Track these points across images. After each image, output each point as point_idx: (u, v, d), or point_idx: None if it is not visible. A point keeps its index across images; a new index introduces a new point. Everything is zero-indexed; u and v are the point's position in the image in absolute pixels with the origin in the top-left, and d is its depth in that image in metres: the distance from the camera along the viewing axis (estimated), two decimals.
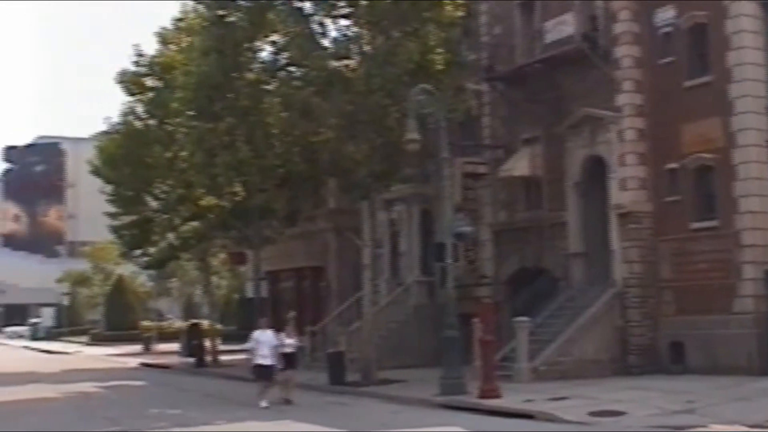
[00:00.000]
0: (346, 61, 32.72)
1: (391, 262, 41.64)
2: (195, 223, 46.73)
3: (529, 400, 24.31)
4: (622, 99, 31.20)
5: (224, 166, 36.01)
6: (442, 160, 29.50)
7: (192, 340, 47.95)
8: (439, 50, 31.17)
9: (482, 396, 25.45)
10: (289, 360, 28.26)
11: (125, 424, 24.40)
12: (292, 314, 47.74)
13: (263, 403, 26.54)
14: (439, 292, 34.12)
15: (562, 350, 29.70)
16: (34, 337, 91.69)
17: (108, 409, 28.38)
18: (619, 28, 31.42)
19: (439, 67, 30.98)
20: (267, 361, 27.42)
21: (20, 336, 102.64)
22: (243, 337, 52.98)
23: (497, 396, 25.35)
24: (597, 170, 32.07)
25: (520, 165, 34.71)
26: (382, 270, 40.64)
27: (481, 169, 36.60)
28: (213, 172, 37.07)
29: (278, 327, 46.98)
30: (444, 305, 28.95)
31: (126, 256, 55.19)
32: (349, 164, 31.98)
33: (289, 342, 28.56)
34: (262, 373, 27.56)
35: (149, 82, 47.30)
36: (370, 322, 33.72)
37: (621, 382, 27.65)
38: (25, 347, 78.80)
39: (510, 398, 24.97)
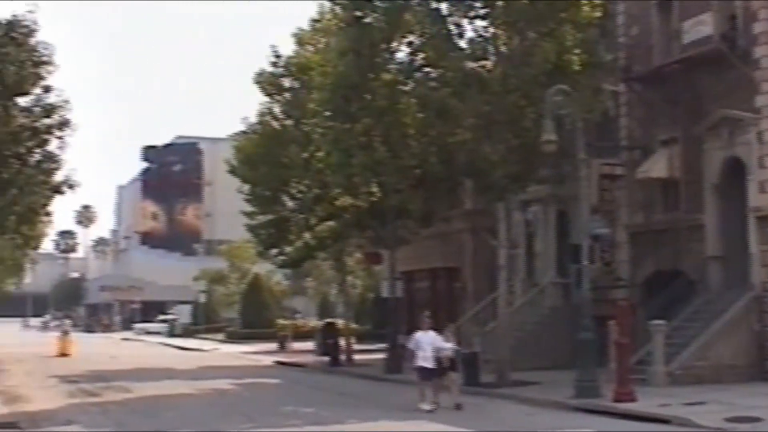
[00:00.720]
0: (482, 62, 33.10)
1: (526, 263, 41.82)
2: (331, 223, 47.38)
3: (664, 405, 24.39)
4: (761, 100, 30.88)
5: (360, 167, 36.63)
6: (578, 162, 29.71)
7: (327, 339, 48.53)
8: (576, 51, 31.25)
9: (617, 399, 25.59)
10: (449, 363, 27.43)
11: (259, 422, 24.90)
12: (426, 314, 48.37)
13: (425, 406, 26.17)
14: (574, 293, 34.18)
15: (698, 354, 29.64)
16: (171, 334, 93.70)
17: (243, 406, 28.97)
18: (758, 27, 31.09)
19: (576, 67, 31.07)
20: (429, 363, 26.77)
21: (147, 332, 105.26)
22: (378, 337, 54.00)
23: (632, 400, 25.47)
24: (735, 172, 31.84)
25: (657, 166, 34.64)
26: (518, 271, 40.80)
27: (618, 171, 36.62)
28: (349, 172, 37.73)
29: (412, 327, 47.70)
30: (579, 307, 29.14)
31: (262, 254, 56.23)
32: (486, 165, 32.24)
33: (448, 345, 27.61)
34: (425, 375, 26.93)
35: (286, 82, 48.25)
36: (505, 323, 33.97)
37: (758, 387, 27.49)
38: (162, 344, 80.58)
39: (645, 402, 25.06)
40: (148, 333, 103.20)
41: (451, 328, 29.93)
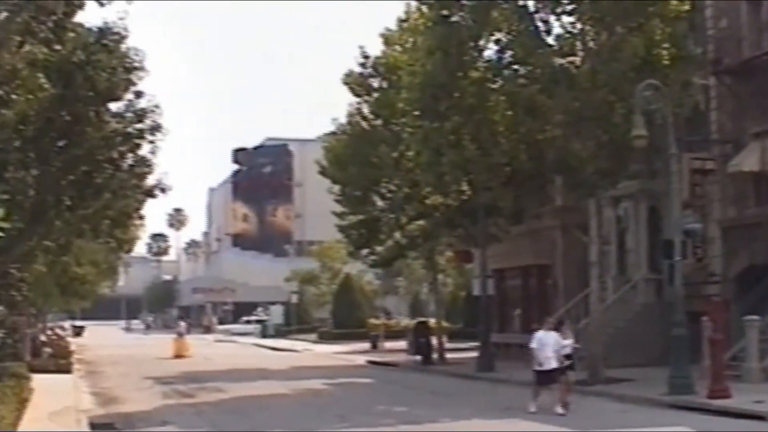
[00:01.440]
0: (570, 58, 33.17)
1: (618, 259, 41.74)
2: (421, 222, 47.68)
3: (759, 401, 24.24)
4: None
5: (450, 165, 36.83)
6: (669, 156, 29.67)
7: (419, 338, 48.81)
8: (665, 45, 31.15)
9: (711, 396, 25.53)
10: (568, 360, 26.51)
11: (352, 421, 25.18)
12: (517, 312, 48.61)
13: (532, 408, 25.39)
14: (667, 289, 34.13)
15: None
16: (263, 335, 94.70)
17: (336, 406, 29.25)
18: None
19: (665, 62, 30.97)
20: (552, 364, 25.61)
21: (233, 333, 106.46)
22: (469, 335, 54.19)
23: (727, 396, 25.37)
24: None
25: (749, 160, 34.33)
26: (609, 267, 40.75)
27: (709, 165, 36.35)
28: (439, 171, 37.96)
29: (504, 325, 47.87)
30: (672, 303, 29.11)
31: (353, 254, 56.77)
32: (575, 161, 32.29)
33: (567, 342, 26.61)
34: (545, 377, 25.79)
35: (375, 82, 48.65)
36: (598, 319, 34.02)
37: None
38: (255, 344, 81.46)
39: (739, 399, 24.96)
40: (233, 334, 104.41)
41: (569, 324, 29.18)
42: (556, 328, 26.76)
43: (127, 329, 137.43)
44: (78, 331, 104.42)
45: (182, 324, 69.92)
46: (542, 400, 25.59)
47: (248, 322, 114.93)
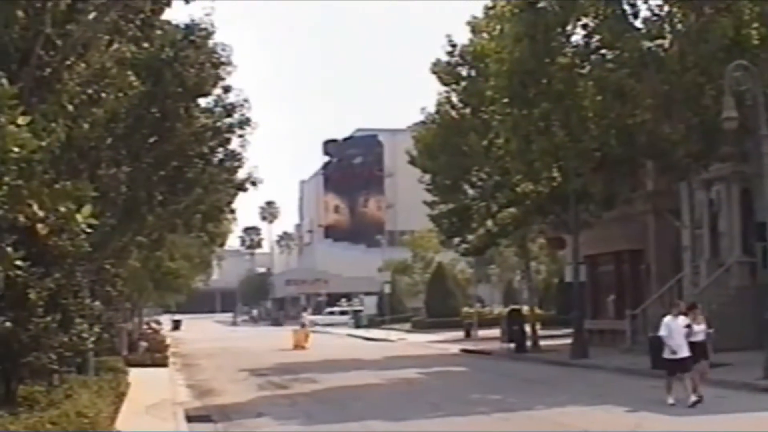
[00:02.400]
0: (658, 41, 32.92)
1: (710, 243, 41.22)
2: (512, 210, 47.62)
3: None
4: None
5: (540, 152, 36.78)
6: (761, 138, 29.26)
7: (512, 326, 48.69)
8: (755, 24, 30.77)
9: None
10: (699, 349, 24.82)
11: (447, 410, 25.30)
12: (611, 298, 48.30)
13: (670, 400, 23.86)
14: (761, 272, 33.76)
15: None
16: (357, 325, 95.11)
17: (430, 395, 29.38)
18: None
19: (755, 41, 30.58)
20: (683, 353, 24.13)
21: (316, 324, 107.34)
22: (563, 322, 54.01)
23: None
24: None
25: None
26: (702, 251, 40.31)
27: None
28: (529, 158, 37.92)
29: (598, 310, 47.53)
30: (766, 286, 28.75)
31: (445, 243, 56.92)
32: (666, 145, 32.09)
33: (699, 328, 24.98)
34: (676, 367, 24.24)
35: (463, 71, 48.70)
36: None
37: None
38: (348, 335, 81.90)
39: None
40: (316, 325, 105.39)
41: (699, 309, 26.77)
42: (686, 312, 25.25)
43: (234, 323, 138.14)
44: (176, 325, 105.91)
45: (305, 315, 70.36)
46: (700, 391, 23.98)
47: (331, 313, 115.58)
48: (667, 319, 24.73)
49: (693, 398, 23.73)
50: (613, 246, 47.54)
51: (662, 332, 24.63)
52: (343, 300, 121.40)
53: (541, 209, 44.98)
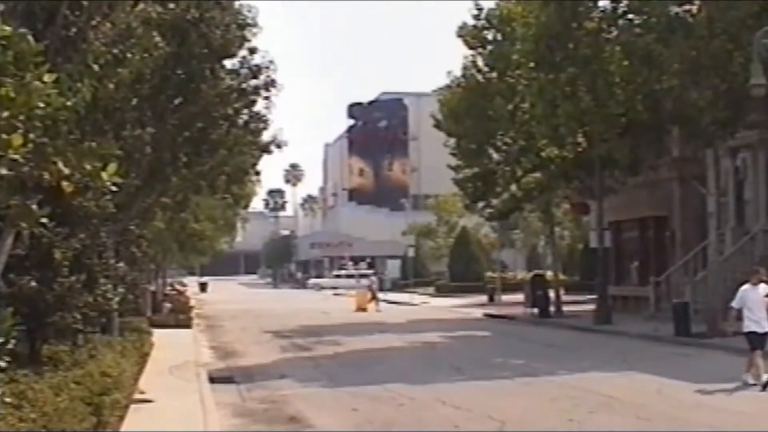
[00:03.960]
0: (686, 6, 32.64)
1: (736, 210, 41.04)
2: (537, 174, 47.54)
3: None
4: None
5: (566, 117, 36.62)
6: None
7: (536, 291, 48.74)
8: None
9: None
10: None
11: (469, 373, 25.34)
12: (635, 264, 48.20)
13: (749, 379, 21.51)
14: None
15: None
16: (381, 289, 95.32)
17: (452, 359, 29.42)
18: None
19: None
20: (761, 327, 21.64)
21: (322, 288, 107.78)
22: (586, 288, 53.99)
23: None
24: None
25: None
26: (727, 219, 40.14)
27: None
28: (555, 123, 37.77)
29: (622, 276, 47.49)
30: None
31: (469, 207, 56.91)
32: (693, 111, 31.87)
33: None
34: (756, 341, 21.56)
35: (489, 35, 48.49)
36: (716, 272, 33.63)
37: None
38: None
39: None
40: (322, 288, 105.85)
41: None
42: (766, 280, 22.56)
43: (274, 285, 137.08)
44: (203, 287, 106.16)
45: (373, 278, 70.47)
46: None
47: (338, 276, 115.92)
48: (745, 287, 22.22)
49: (752, 379, 21.47)
50: (637, 212, 47.39)
51: (736, 304, 22.22)
52: (350, 263, 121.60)
53: (565, 174, 44.85)
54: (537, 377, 24.01)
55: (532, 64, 38.99)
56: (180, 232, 48.12)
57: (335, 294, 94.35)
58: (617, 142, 37.63)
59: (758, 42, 27.99)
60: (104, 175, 8.72)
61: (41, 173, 8.58)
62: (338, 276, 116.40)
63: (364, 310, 60.18)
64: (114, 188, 9.22)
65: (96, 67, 14.86)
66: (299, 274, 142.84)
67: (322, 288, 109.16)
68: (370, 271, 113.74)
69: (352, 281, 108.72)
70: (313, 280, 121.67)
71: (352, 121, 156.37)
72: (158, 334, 33.57)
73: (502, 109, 45.40)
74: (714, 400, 19.48)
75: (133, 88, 21.53)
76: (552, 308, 47.99)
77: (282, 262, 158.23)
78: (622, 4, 35.05)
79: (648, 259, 46.95)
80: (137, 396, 19.37)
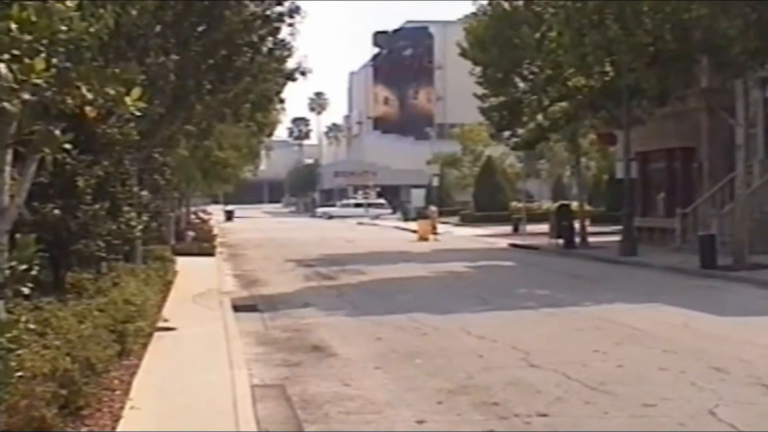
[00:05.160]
0: None
1: (765, 142, 40.63)
2: (564, 104, 47.23)
3: None
4: None
5: (593, 46, 36.27)
6: None
7: (561, 221, 48.63)
8: None
9: None
10: None
11: (493, 303, 25.35)
12: (661, 196, 47.99)
13: None
14: None
15: None
16: (405, 218, 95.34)
17: (477, 288, 29.42)
18: None
19: None
20: None
21: (330, 217, 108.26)
22: (612, 219, 53.89)
23: None
24: None
25: None
26: (756, 151, 39.80)
27: None
28: (582, 52, 37.44)
29: (648, 208, 47.26)
30: None
31: (495, 137, 56.79)
32: (722, 41, 31.45)
33: None
34: None
35: None
36: (743, 204, 33.44)
37: None
38: (396, 227, 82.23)
39: None
40: (331, 218, 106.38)
41: None
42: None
43: (313, 215, 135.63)
44: (229, 215, 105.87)
45: (433, 208, 70.33)
46: None
47: (346, 205, 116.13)
48: None
49: None
50: (665, 143, 47.06)
51: None
52: (360, 193, 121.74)
53: (592, 104, 44.59)
54: (561, 308, 24.00)
55: None
56: (204, 160, 48.17)
57: (359, 223, 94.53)
58: (645, 71, 37.24)
59: None
60: (128, 100, 8.68)
61: (64, 98, 8.55)
62: (346, 205, 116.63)
63: (425, 239, 59.45)
64: (137, 114, 9.20)
65: None
66: (312, 202, 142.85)
67: (331, 217, 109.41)
68: (383, 201, 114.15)
69: (360, 210, 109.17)
70: (321, 209, 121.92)
71: (377, 50, 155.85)
72: (181, 262, 33.74)
73: (528, 37, 45.04)
74: (741, 333, 19.43)
75: (156, 15, 21.47)
76: (577, 239, 47.90)
77: (306, 190, 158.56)
78: None
79: (675, 191, 46.70)
80: (161, 324, 19.47)
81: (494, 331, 19.88)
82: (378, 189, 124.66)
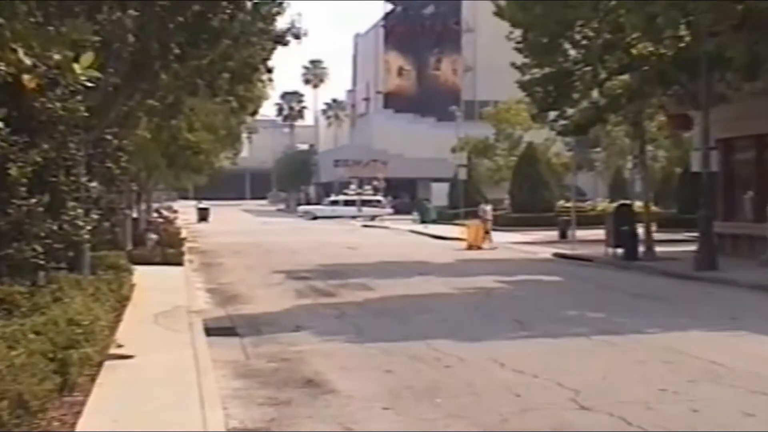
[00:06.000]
0: None
1: None
2: (626, 77, 47.29)
3: None
4: None
5: (664, 4, 36.32)
6: None
7: (620, 226, 48.55)
8: None
9: None
10: None
11: (536, 329, 25.34)
12: (749, 195, 47.96)
13: None
14: None
15: None
16: (423, 220, 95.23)
17: (514, 310, 29.37)
18: None
19: None
20: None
21: (315, 217, 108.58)
22: (685, 223, 53.83)
23: None
24: None
25: None
26: None
27: None
28: (650, 11, 37.44)
29: (732, 210, 47.23)
30: None
31: (538, 118, 56.77)
32: None
33: None
34: None
35: None
36: None
37: None
38: (412, 231, 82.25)
39: None
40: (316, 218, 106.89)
41: None
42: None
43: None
44: (203, 215, 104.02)
45: (486, 207, 70.04)
46: None
47: (334, 203, 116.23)
48: None
49: None
50: (755, 127, 46.98)
51: None
52: (352, 186, 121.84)
53: (662, 77, 44.58)
54: (620, 335, 23.96)
55: None
56: (170, 143, 48.19)
57: (364, 225, 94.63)
58: (731, 36, 37.25)
59: None
60: (76, 67, 8.61)
61: None
62: (335, 203, 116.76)
63: (477, 247, 59.20)
64: (88, 85, 9.14)
65: None
66: (306, 198, 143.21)
67: (316, 217, 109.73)
68: (380, 198, 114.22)
69: (352, 209, 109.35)
70: (303, 207, 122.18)
71: (389, 7, 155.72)
72: (141, 272, 33.78)
73: None
74: None
75: None
76: (641, 248, 47.90)
77: (298, 184, 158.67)
78: None
79: (766, 189, 46.65)
80: (113, 350, 19.47)
81: (534, 363, 19.85)
82: (375, 182, 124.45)
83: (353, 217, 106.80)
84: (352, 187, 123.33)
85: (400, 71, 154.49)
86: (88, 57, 8.64)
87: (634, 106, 49.40)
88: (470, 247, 59.50)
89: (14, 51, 8.45)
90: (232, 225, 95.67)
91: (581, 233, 60.62)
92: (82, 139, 22.46)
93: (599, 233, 52.78)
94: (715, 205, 45.38)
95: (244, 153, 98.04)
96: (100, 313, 19.10)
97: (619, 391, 17.24)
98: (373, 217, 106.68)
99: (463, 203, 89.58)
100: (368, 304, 31.49)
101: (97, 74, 8.81)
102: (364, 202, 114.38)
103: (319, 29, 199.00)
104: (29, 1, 9.50)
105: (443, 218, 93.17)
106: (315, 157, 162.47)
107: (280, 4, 32.69)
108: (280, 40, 35.65)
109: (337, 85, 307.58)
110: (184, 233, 60.77)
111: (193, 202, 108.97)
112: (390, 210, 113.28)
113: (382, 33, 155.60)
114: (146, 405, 15.39)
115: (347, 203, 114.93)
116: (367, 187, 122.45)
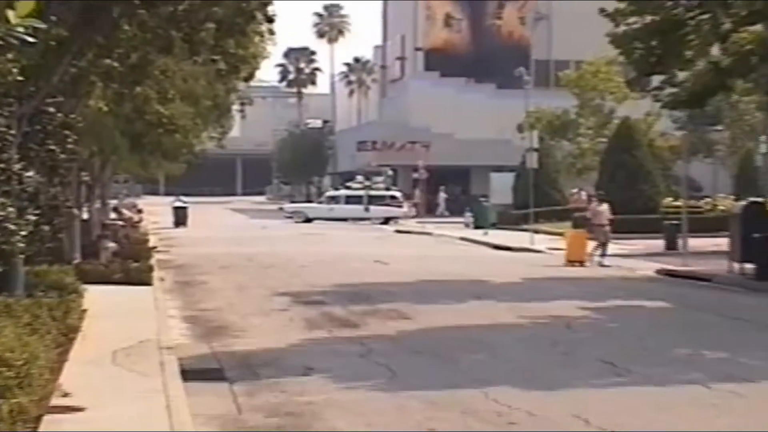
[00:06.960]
0: None
1: None
2: (758, 27, 47.23)
3: None
4: None
5: None
6: None
7: (751, 233, 48.51)
8: None
9: None
10: None
11: (633, 374, 25.28)
12: None
13: None
14: None
15: None
16: (478, 224, 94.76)
17: (604, 347, 29.34)
18: None
19: None
20: None
21: (308, 219, 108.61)
22: None
23: None
24: None
25: None
26: None
27: None
28: None
29: None
30: None
31: (636, 85, 56.73)
32: None
33: None
34: None
35: None
36: None
37: None
38: (462, 239, 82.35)
39: None
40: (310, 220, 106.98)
41: None
42: None
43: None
44: (179, 218, 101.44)
45: (600, 207, 68.71)
46: None
47: (333, 199, 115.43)
48: None
49: None
50: None
51: None
52: (358, 177, 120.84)
53: None
54: (752, 383, 23.99)
55: None
56: (134, 119, 48.16)
57: (397, 231, 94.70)
58: None
59: None
60: (11, 14, 8.58)
61: None
62: (334, 199, 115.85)
63: (580, 262, 58.48)
64: (26, 39, 9.12)
65: None
66: (319, 192, 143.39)
67: (309, 219, 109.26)
68: (395, 192, 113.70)
69: (357, 208, 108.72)
70: (290, 206, 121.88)
71: None
72: (94, 293, 33.81)
73: None
74: None
75: None
76: None
77: (309, 174, 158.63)
78: None
79: None
80: (57, 401, 19.49)
81: (633, 420, 19.90)
82: (390, 171, 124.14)
83: (361, 219, 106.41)
84: (359, 178, 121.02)
85: (448, 20, 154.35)
86: (27, 4, 8.61)
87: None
88: (571, 262, 58.73)
89: None
90: (218, 230, 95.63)
91: (696, 242, 60.60)
92: (15, 113, 22.50)
93: (721, 242, 52.76)
94: None
95: (235, 132, 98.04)
96: (39, 350, 19.12)
97: None
98: (386, 220, 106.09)
99: (532, 201, 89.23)
100: (404, 338, 31.42)
101: (38, 23, 8.79)
102: (372, 199, 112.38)
103: None
104: None
105: (506, 221, 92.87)
106: (331, 138, 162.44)
107: None
108: None
109: (362, 39, 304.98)
110: (152, 241, 60.86)
111: (167, 199, 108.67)
112: (404, 209, 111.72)
113: None
114: None
115: (350, 200, 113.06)
116: (378, 178, 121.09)
